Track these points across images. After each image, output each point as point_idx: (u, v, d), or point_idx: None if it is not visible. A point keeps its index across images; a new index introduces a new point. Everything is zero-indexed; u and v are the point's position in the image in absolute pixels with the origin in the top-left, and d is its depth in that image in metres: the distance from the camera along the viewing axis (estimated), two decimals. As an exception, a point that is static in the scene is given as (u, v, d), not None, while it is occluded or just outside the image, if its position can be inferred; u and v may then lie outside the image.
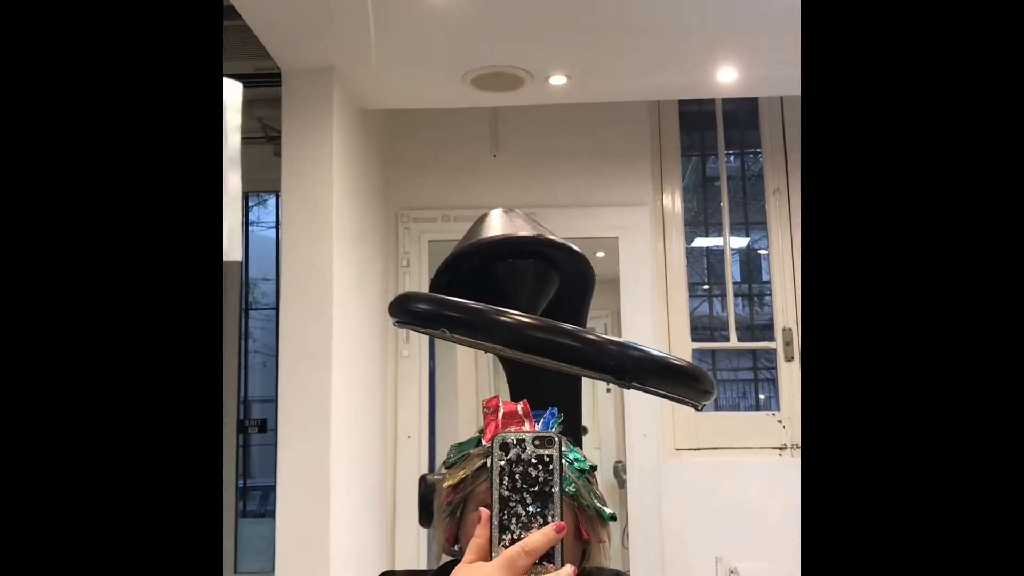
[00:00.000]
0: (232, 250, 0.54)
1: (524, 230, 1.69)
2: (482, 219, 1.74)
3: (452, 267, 1.68)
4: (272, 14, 2.87)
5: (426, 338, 4.07)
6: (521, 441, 0.90)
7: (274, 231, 5.81)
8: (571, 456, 1.18)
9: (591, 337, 1.19)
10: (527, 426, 1.15)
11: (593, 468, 1.19)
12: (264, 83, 3.68)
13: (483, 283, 1.69)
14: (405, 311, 1.24)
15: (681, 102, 4.25)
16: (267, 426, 4.84)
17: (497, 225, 1.71)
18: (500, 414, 1.16)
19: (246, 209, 5.24)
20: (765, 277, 4.39)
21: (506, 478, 0.88)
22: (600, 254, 4.25)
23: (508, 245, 1.63)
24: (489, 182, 4.22)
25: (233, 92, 0.58)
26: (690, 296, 4.20)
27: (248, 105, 4.23)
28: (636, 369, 1.17)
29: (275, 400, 3.16)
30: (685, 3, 2.79)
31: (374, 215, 3.92)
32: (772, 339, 4.13)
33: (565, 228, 4.17)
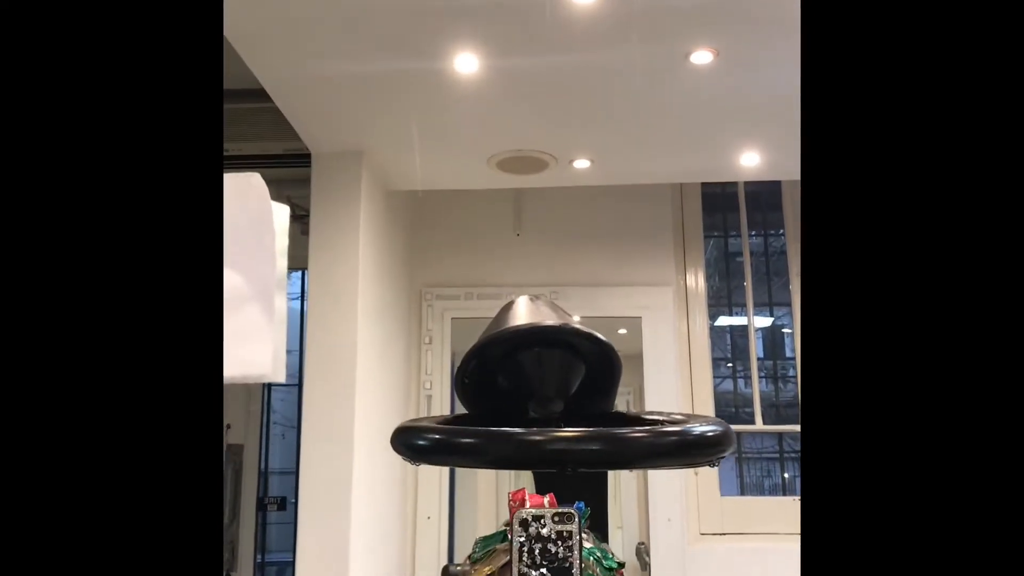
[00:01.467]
0: (277, 371, 0.55)
1: (550, 319, 1.69)
2: (508, 307, 1.75)
3: (478, 355, 1.68)
4: (304, 100, 2.96)
5: (446, 403, 4.06)
6: (540, 517, 0.90)
7: (299, 302, 5.87)
8: (598, 552, 1.17)
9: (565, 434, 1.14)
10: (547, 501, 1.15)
11: (621, 565, 1.17)
12: (293, 164, 3.77)
13: (510, 371, 1.69)
14: (406, 447, 1.23)
15: (704, 183, 4.30)
16: (286, 503, 4.81)
17: (523, 313, 1.71)
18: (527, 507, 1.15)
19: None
20: (789, 354, 4.36)
21: (526, 554, 0.88)
22: (622, 331, 4.25)
23: (534, 334, 1.63)
24: (512, 261, 4.26)
25: (282, 217, 0.60)
26: (714, 374, 4.17)
27: (277, 184, 4.33)
28: (647, 455, 1.14)
29: (294, 473, 3.15)
30: (707, 90, 2.84)
31: (398, 292, 3.95)
32: (797, 420, 4.07)
33: (588, 307, 4.21)
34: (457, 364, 1.71)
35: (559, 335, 1.70)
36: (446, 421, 1.50)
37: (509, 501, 1.30)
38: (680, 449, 1.11)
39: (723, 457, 1.14)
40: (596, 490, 1.58)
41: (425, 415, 4.12)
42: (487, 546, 1.18)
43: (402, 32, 2.48)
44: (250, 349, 0.54)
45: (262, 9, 2.34)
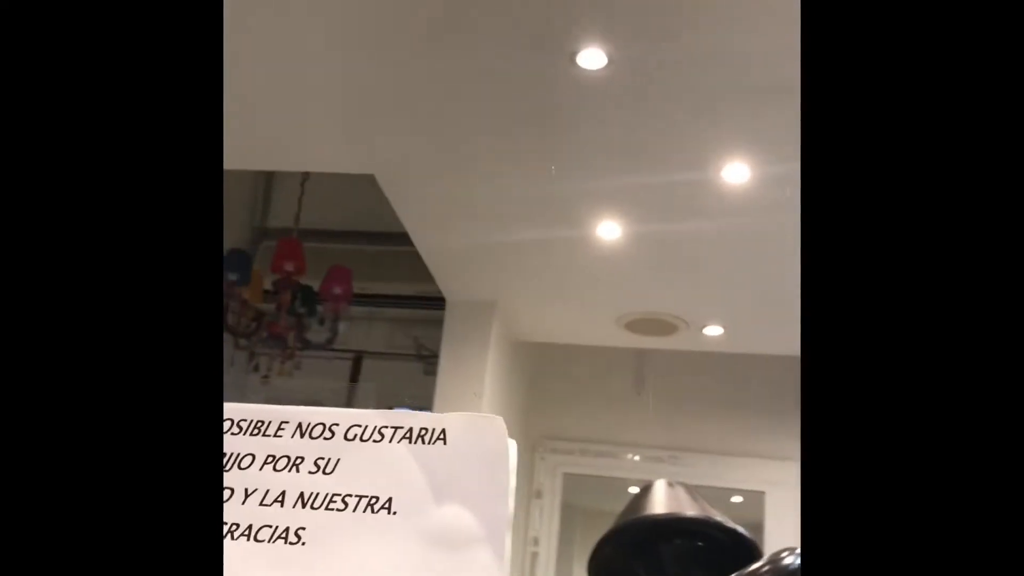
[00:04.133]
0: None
1: (691, 509, 1.63)
2: (645, 491, 1.70)
3: (614, 540, 1.62)
4: (444, 248, 3.06)
5: (552, 561, 3.91)
6: None
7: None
8: None
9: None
10: None
11: None
12: (424, 305, 3.87)
13: (646, 560, 1.63)
14: None
15: (836, 358, 4.16)
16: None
17: (661, 500, 1.66)
18: None
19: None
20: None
21: None
22: (736, 499, 4.07)
23: (674, 525, 1.57)
24: (631, 420, 4.17)
25: (513, 454, 0.60)
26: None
27: (406, 324, 4.45)
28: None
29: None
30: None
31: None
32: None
33: (708, 475, 4.04)
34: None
35: (700, 527, 1.64)
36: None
37: None
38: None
39: None
40: None
41: (531, 575, 3.99)
42: None
43: (551, 200, 2.57)
44: (478, 591, 0.53)
45: (421, 168, 2.47)
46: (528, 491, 4.13)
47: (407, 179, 2.57)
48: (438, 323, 3.56)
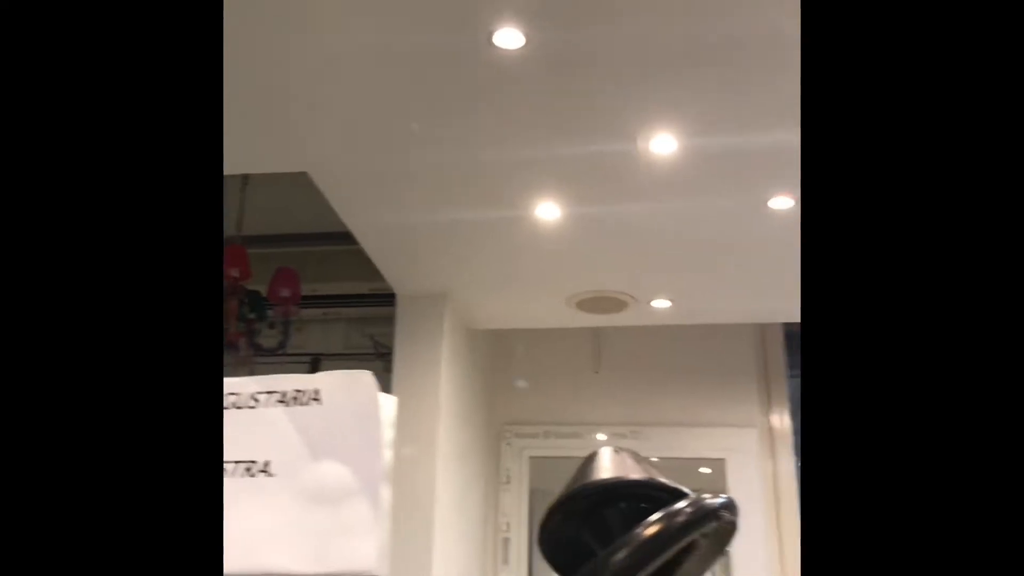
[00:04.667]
0: (382, 566, 0.55)
1: (635, 472, 1.67)
2: (591, 458, 1.73)
3: (562, 509, 1.66)
4: (391, 245, 3.07)
5: (524, 561, 3.95)
6: None
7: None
8: None
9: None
10: None
11: None
12: (378, 303, 3.87)
13: (594, 525, 1.66)
14: None
15: (786, 323, 4.24)
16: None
17: (608, 466, 1.69)
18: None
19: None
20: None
21: None
22: (704, 470, 4.13)
23: (619, 489, 1.61)
24: (592, 399, 4.22)
25: (389, 409, 0.62)
26: (804, 522, 3.99)
27: (361, 323, 4.44)
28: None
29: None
30: (787, 234, 2.85)
31: (478, 431, 3.94)
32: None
33: (670, 447, 4.10)
34: (535, 507, 1.70)
35: (644, 489, 1.67)
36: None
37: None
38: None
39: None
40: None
41: (503, 559, 4.02)
42: None
43: (487, 184, 2.59)
44: (355, 544, 0.55)
45: (352, 160, 2.48)
46: (496, 477, 4.16)
47: (340, 173, 2.58)
48: (393, 319, 3.56)
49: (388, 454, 0.58)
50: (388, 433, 0.61)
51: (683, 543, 1.21)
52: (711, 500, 1.22)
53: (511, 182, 2.57)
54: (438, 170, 2.48)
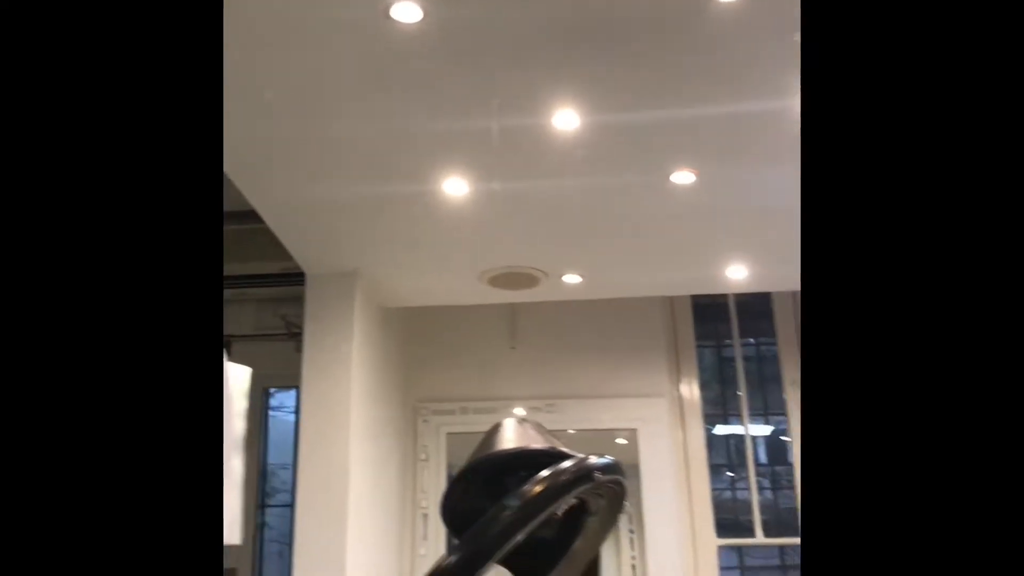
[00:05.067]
0: (232, 534, 0.55)
1: (536, 442, 1.70)
2: (495, 429, 1.76)
3: (466, 478, 1.68)
4: (297, 222, 3.03)
5: (443, 536, 3.99)
6: None
7: (294, 415, 5.81)
8: None
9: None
10: None
11: None
12: (289, 282, 3.82)
13: (495, 493, 1.69)
14: None
15: (694, 295, 4.35)
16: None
17: (511, 437, 1.72)
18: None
19: (267, 395, 5.28)
20: (791, 460, 4.31)
21: None
22: (621, 441, 4.22)
23: (521, 459, 1.64)
24: (507, 374, 4.26)
25: (242, 379, 0.63)
26: (715, 483, 4.13)
27: (273, 303, 4.38)
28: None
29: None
30: (690, 208, 2.92)
31: (393, 409, 3.94)
32: (799, 532, 4.00)
33: (584, 420, 4.18)
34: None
35: (545, 459, 1.71)
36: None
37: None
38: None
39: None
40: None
41: (422, 535, 4.05)
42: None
43: (392, 158, 2.58)
44: (204, 512, 0.56)
45: (254, 135, 2.44)
46: (414, 455, 4.17)
47: (243, 152, 2.53)
48: (303, 299, 3.52)
49: (239, 424, 0.58)
50: (239, 404, 0.61)
51: (568, 497, 1.28)
52: (594, 460, 1.29)
53: (418, 157, 2.56)
54: (343, 145, 2.46)
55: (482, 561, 1.20)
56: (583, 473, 1.28)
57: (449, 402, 4.22)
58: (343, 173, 2.63)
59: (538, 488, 1.24)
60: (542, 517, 1.24)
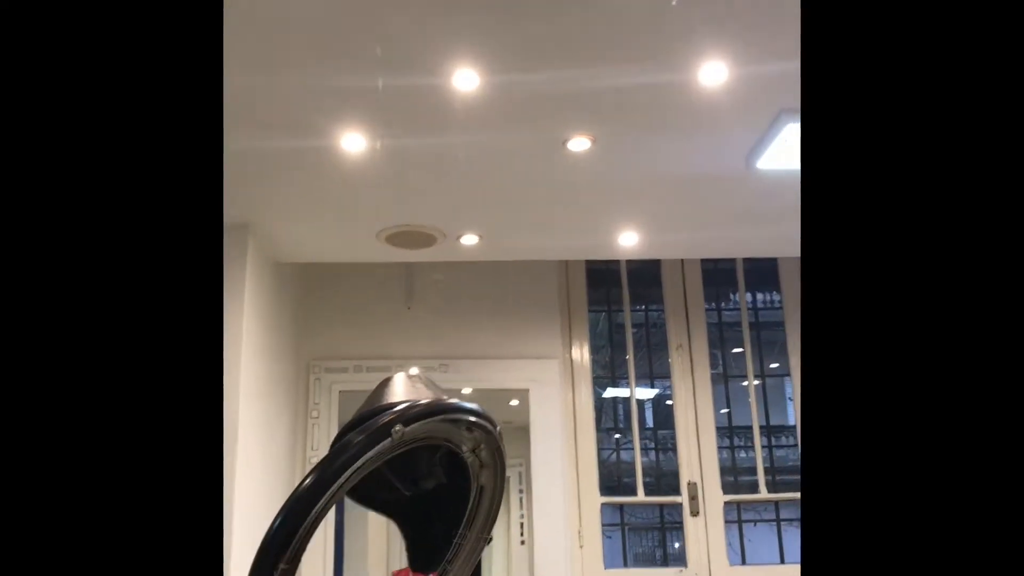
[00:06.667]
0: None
1: (425, 396, 1.74)
2: (385, 383, 1.79)
3: (352, 429, 1.70)
4: (190, 173, 2.95)
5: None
6: None
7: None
8: None
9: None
10: None
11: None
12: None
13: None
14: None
15: (588, 260, 4.45)
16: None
17: (400, 391, 1.75)
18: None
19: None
20: (675, 424, 4.48)
21: None
22: (514, 402, 4.30)
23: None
24: (402, 333, 4.27)
25: None
26: (604, 445, 4.26)
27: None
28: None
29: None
30: (585, 174, 2.98)
31: (284, 367, 3.90)
32: (679, 492, 4.18)
33: (478, 379, 4.25)
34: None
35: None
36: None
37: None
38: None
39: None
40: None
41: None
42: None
43: (288, 111, 2.53)
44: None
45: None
46: (305, 413, 4.15)
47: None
48: (194, 251, 3.44)
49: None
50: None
51: (419, 429, 1.34)
52: (449, 400, 1.38)
53: (315, 110, 2.53)
54: (235, 95, 2.40)
55: (327, 484, 1.26)
56: (433, 409, 1.36)
57: (344, 360, 4.21)
58: (236, 125, 2.56)
59: (386, 419, 1.31)
60: (386, 444, 1.31)
